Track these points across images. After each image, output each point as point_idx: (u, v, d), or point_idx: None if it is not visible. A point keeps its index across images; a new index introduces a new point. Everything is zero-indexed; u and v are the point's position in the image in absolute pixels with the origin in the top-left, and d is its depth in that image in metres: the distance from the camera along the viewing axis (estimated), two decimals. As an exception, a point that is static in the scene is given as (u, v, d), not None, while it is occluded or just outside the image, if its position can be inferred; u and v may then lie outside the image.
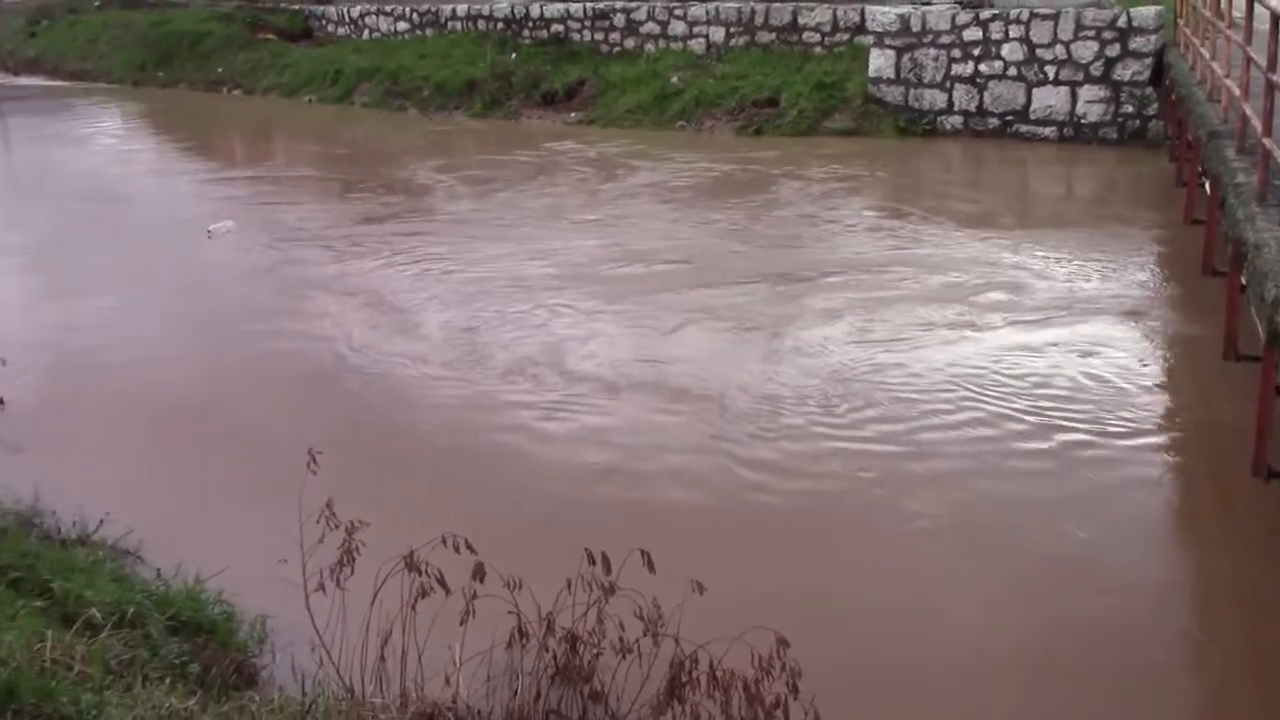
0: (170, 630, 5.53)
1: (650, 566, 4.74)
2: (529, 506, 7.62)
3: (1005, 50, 20.00)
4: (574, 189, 17.93)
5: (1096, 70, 19.35)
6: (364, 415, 9.32)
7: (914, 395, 9.11)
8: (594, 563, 4.81)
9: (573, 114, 24.45)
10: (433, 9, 30.49)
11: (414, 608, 4.76)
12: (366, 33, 32.38)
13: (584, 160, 20.07)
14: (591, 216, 15.88)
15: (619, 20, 26.49)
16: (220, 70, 32.62)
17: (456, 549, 4.75)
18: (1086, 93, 19.46)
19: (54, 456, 8.49)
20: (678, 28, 25.57)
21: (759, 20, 24.37)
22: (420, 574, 4.74)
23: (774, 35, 24.18)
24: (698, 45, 25.22)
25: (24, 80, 36.93)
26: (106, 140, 25.64)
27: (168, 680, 4.80)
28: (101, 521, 6.84)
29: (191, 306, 12.37)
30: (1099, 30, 19.24)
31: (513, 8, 28.58)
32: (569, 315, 11.40)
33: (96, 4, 44.72)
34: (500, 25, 28.53)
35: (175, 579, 6.26)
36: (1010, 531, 7.17)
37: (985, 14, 20.38)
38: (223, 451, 8.68)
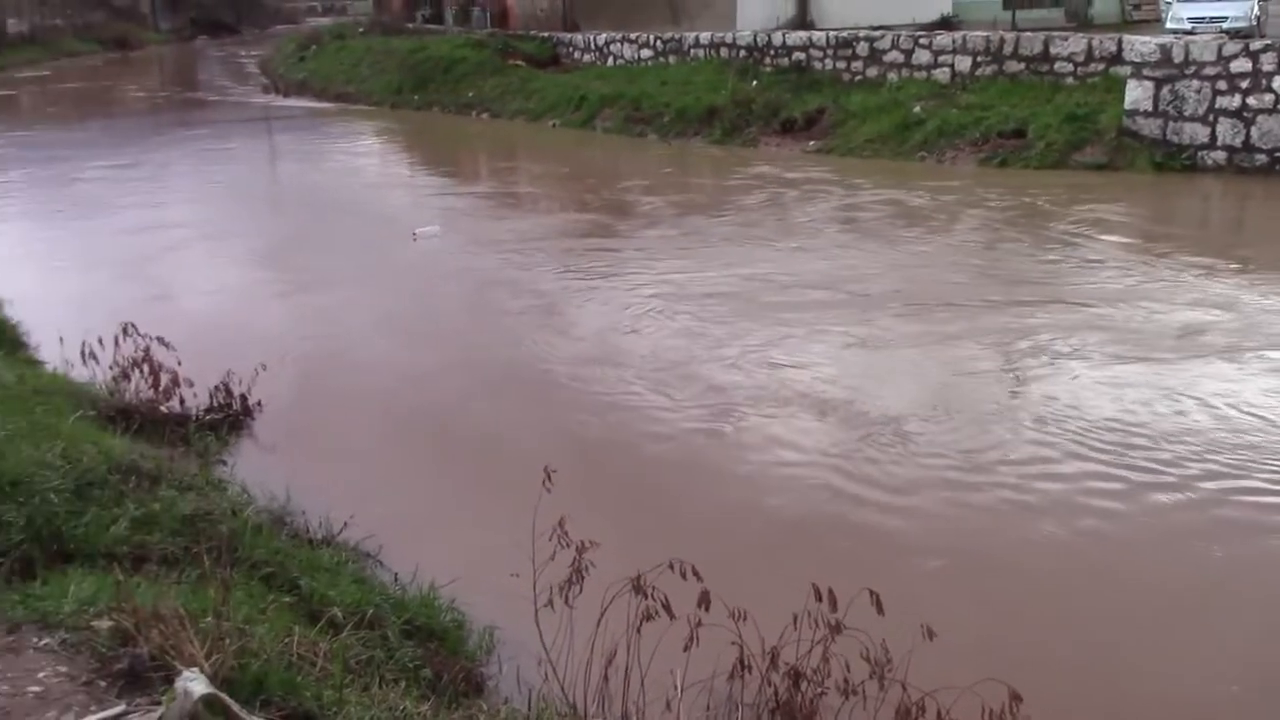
0: (404, 634, 5.70)
1: (879, 608, 4.63)
2: (746, 528, 7.55)
3: (1277, 83, 18.81)
4: (800, 214, 17.82)
5: (1381, 105, 18.01)
6: (578, 423, 9.45)
7: (1158, 435, 8.61)
8: (820, 599, 4.73)
9: (811, 142, 24.34)
10: (676, 36, 31.00)
11: (639, 630, 4.78)
12: (611, 59, 33.18)
13: (814, 186, 19.90)
14: (810, 242, 15.77)
15: (862, 49, 26.26)
16: (471, 95, 33.98)
17: (683, 575, 4.75)
18: (1368, 129, 18.12)
19: (301, 456, 8.92)
20: (922, 56, 25.16)
21: (1008, 50, 23.74)
22: (647, 597, 4.76)
23: (1023, 65, 23.50)
24: (942, 75, 24.75)
25: (292, 102, 39.41)
26: (357, 157, 27.19)
27: (402, 683, 4.95)
28: (345, 524, 7.14)
29: (406, 306, 13.11)
30: (1385, 62, 17.91)
31: (755, 36, 28.76)
32: (783, 338, 11.25)
33: (361, 31, 47.62)
34: (742, 53, 28.73)
35: (411, 584, 6.47)
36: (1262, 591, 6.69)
37: (1256, 44, 19.26)
38: (447, 454, 9.03)
